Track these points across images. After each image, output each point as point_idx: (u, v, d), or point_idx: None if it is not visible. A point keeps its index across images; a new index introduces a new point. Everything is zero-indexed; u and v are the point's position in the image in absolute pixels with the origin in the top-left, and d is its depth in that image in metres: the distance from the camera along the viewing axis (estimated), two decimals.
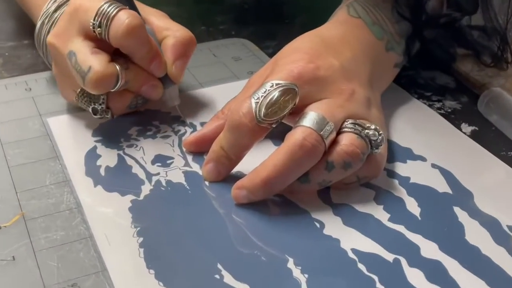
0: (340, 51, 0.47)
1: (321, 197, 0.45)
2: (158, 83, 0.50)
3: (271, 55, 0.62)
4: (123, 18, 0.46)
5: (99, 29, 0.46)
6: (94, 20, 0.46)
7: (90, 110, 0.49)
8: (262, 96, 0.43)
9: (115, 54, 0.48)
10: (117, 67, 0.47)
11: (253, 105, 0.43)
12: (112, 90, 0.47)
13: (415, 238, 0.41)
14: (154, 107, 0.53)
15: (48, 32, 0.51)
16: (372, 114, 0.45)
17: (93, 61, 0.46)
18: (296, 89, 0.43)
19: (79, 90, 0.48)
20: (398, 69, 0.54)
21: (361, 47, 0.49)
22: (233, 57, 0.62)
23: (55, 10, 0.51)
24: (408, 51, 0.54)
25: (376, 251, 0.40)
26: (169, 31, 0.50)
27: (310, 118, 0.42)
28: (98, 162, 0.48)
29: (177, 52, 0.49)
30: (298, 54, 0.45)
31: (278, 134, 0.46)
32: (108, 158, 0.48)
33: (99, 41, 0.47)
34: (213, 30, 0.67)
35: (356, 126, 0.43)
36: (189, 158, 0.48)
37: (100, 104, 0.49)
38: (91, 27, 0.46)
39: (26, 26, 0.62)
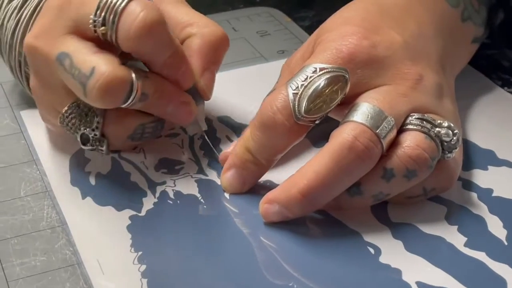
0: (403, 23, 0.47)
1: (376, 214, 0.45)
2: (189, 98, 0.47)
3: (307, 29, 0.63)
4: (137, 11, 0.43)
5: (103, 28, 0.44)
6: (95, 15, 0.44)
7: (79, 138, 0.47)
8: (302, 85, 0.43)
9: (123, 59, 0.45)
10: (131, 71, 0.44)
11: (291, 96, 0.43)
12: (123, 106, 0.44)
13: (500, 268, 0.42)
14: None
15: (16, 34, 0.49)
16: (444, 107, 0.46)
17: (98, 61, 0.43)
18: (347, 76, 0.44)
19: (66, 108, 0.46)
20: (477, 45, 0.54)
21: (430, 17, 0.49)
22: (259, 32, 0.63)
23: (23, 5, 0.50)
24: (490, 22, 0.54)
25: (449, 285, 0.41)
26: (194, 27, 0.47)
27: (363, 112, 0.43)
28: (87, 168, 0.48)
29: (206, 58, 0.47)
30: (349, 27, 0.46)
31: (320, 131, 0.47)
32: (99, 162, 0.49)
33: (101, 42, 0.45)
34: None
35: (424, 122, 0.43)
36: (204, 162, 0.49)
37: (93, 130, 0.46)
38: (91, 26, 0.44)
39: None
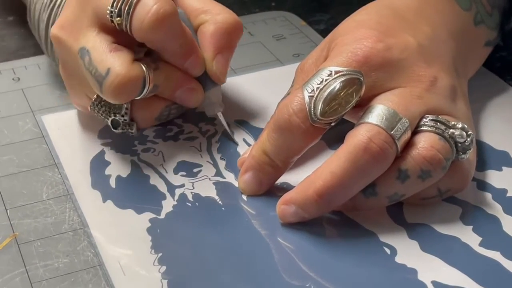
0: (416, 26, 0.48)
1: (392, 215, 0.45)
2: (196, 85, 0.50)
3: (323, 32, 0.63)
4: (150, 3, 0.45)
5: (118, 18, 0.46)
6: (112, 6, 0.46)
7: (109, 122, 0.49)
8: (317, 88, 0.44)
9: (140, 49, 0.48)
10: (143, 67, 0.47)
11: (307, 99, 0.44)
12: (137, 98, 0.48)
13: None
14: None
15: (51, 17, 0.52)
16: (458, 109, 0.46)
17: (113, 62, 0.46)
18: (362, 78, 0.44)
19: (95, 96, 0.49)
20: (490, 48, 0.54)
21: (442, 21, 0.49)
22: (274, 36, 0.63)
23: None
24: (502, 25, 0.54)
25: (464, 285, 0.41)
26: (208, 14, 0.49)
27: (378, 113, 0.43)
28: (107, 171, 0.49)
29: (219, 43, 0.49)
30: (363, 30, 0.46)
31: (335, 133, 0.47)
32: (119, 165, 0.50)
33: (118, 33, 0.47)
34: (247, 0, 0.68)
35: (438, 124, 0.44)
36: (221, 165, 0.50)
37: (123, 116, 0.49)
38: (108, 16, 0.46)
39: None
